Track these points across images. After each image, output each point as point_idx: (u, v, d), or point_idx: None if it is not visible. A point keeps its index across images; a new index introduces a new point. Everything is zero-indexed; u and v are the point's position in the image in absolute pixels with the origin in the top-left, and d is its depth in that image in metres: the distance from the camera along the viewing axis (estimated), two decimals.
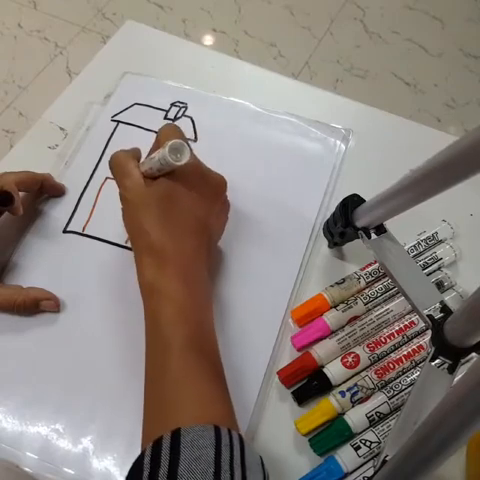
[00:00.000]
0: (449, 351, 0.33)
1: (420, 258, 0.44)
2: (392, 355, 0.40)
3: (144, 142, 0.51)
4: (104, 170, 0.50)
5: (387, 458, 0.31)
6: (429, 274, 0.44)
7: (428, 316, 0.35)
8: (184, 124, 0.53)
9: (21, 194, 0.44)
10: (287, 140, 0.52)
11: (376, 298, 0.42)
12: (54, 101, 0.55)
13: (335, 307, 0.42)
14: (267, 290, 0.44)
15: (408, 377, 0.39)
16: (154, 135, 0.52)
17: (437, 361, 0.33)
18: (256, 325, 0.42)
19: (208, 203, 0.39)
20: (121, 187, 0.38)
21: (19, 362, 0.41)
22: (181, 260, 0.36)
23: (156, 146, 0.39)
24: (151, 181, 0.37)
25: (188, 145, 0.35)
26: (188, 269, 0.36)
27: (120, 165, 0.38)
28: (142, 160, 0.40)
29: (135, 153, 0.40)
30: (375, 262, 0.44)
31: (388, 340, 0.40)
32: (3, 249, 0.45)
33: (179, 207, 0.37)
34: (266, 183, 0.49)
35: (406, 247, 0.44)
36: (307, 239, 0.46)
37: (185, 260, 0.36)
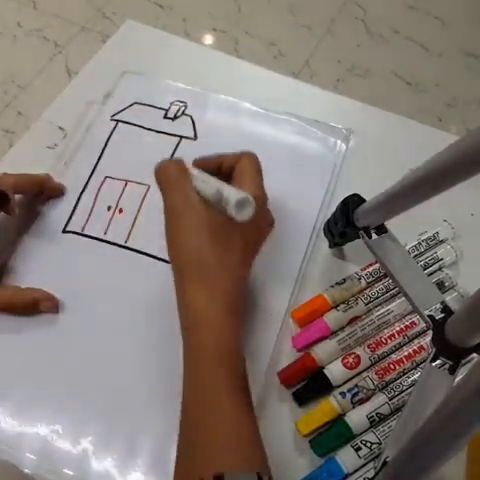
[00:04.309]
0: (450, 352, 0.33)
1: (421, 258, 0.44)
2: (393, 356, 0.40)
3: (144, 141, 0.52)
4: (103, 169, 0.50)
5: (388, 459, 0.31)
6: (430, 274, 0.43)
7: (429, 316, 0.35)
8: (184, 123, 0.53)
9: (19, 195, 0.44)
10: (287, 140, 0.52)
11: (377, 298, 0.42)
12: (53, 100, 0.55)
13: (336, 307, 0.42)
14: (267, 290, 0.44)
15: (409, 378, 0.39)
16: (154, 134, 0.52)
17: (438, 362, 0.33)
18: (256, 325, 0.42)
19: (259, 235, 0.39)
20: (169, 200, 0.36)
21: (18, 362, 0.41)
22: (233, 293, 0.35)
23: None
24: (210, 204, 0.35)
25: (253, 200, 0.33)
26: (237, 302, 0.35)
27: (172, 181, 0.36)
28: (193, 171, 0.37)
29: (184, 164, 0.38)
30: (376, 262, 0.44)
31: (389, 341, 0.40)
32: (2, 249, 0.45)
33: (238, 236, 0.36)
34: (266, 183, 0.49)
35: (407, 247, 0.44)
36: (308, 239, 0.46)
37: (236, 292, 0.35)
